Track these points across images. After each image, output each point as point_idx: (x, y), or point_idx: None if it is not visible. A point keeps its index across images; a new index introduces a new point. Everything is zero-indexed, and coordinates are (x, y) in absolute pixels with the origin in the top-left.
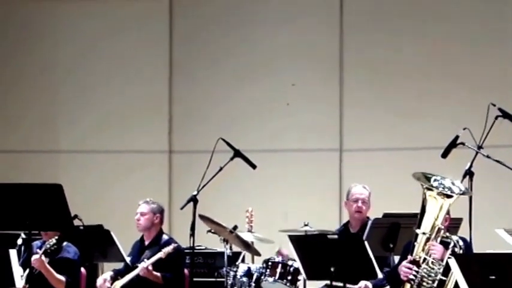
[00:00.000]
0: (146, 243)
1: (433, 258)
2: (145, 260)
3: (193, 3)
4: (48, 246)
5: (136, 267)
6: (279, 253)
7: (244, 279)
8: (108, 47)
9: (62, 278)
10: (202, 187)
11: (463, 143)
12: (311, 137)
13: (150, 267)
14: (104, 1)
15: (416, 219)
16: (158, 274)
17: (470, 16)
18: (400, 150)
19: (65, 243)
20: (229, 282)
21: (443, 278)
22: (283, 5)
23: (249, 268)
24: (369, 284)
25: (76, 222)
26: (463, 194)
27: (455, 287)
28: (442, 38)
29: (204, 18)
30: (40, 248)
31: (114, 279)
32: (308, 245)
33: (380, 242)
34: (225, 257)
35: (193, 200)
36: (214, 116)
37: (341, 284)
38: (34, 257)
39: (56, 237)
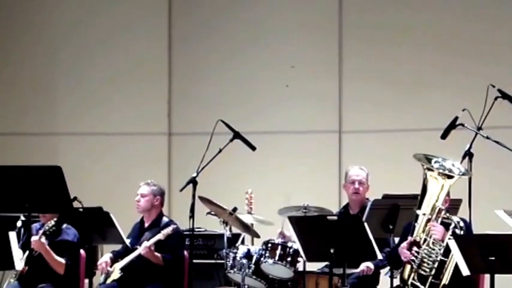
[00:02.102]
0: (146, 225)
1: (434, 239)
2: (145, 242)
3: None
4: (47, 228)
5: (136, 249)
6: (280, 234)
7: (244, 260)
8: (106, 29)
9: (62, 260)
10: (202, 169)
11: (462, 124)
12: (310, 119)
13: (153, 248)
14: None
15: (416, 200)
16: (159, 255)
17: None
18: (399, 132)
19: (64, 226)
20: (229, 264)
21: (444, 259)
22: None
23: (248, 250)
24: (371, 264)
25: (75, 204)
26: (464, 174)
27: (456, 267)
28: (441, 19)
29: None
30: (39, 230)
31: (113, 261)
32: (308, 226)
33: (380, 224)
34: (225, 239)
35: (193, 181)
36: (214, 98)
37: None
38: (33, 239)
39: (55, 219)
